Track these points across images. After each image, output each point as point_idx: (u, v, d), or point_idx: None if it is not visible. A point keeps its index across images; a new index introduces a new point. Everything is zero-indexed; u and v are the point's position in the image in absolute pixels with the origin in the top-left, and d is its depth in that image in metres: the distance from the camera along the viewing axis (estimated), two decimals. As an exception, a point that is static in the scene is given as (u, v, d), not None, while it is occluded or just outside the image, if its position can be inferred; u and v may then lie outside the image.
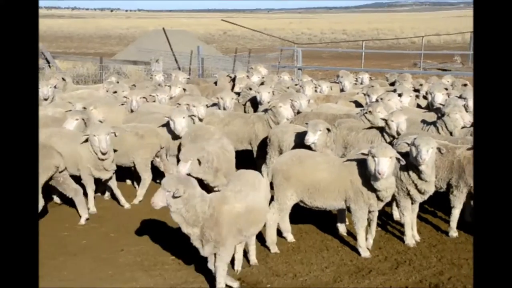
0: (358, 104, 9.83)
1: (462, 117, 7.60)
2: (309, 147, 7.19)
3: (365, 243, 6.17)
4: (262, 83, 11.30)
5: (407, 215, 6.41)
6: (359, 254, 6.17)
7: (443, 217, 7.23)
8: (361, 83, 11.91)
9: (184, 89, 10.18)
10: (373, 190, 5.85)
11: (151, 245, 6.54)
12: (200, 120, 8.06)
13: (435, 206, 7.52)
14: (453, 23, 69.17)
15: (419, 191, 6.19)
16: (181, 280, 5.67)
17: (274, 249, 6.30)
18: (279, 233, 6.53)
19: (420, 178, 6.06)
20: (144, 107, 9.19)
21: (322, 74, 23.89)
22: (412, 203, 6.39)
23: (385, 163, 5.54)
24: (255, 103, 9.91)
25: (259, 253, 6.30)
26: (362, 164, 5.91)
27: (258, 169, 8.70)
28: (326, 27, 68.11)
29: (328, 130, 7.25)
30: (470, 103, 8.40)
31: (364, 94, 9.58)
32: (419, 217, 7.12)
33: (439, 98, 9.05)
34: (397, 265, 5.95)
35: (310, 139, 7.08)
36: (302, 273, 5.79)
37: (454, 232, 6.65)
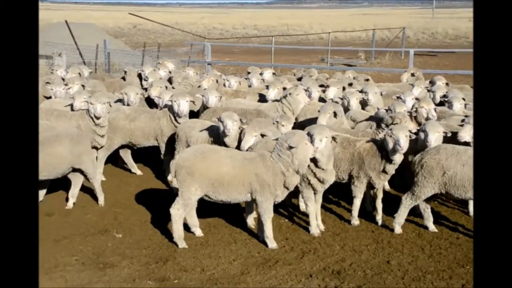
0: (263, 99, 9.97)
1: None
2: (219, 143, 7.23)
3: (272, 234, 6.29)
4: (169, 78, 11.17)
5: (311, 206, 6.63)
6: (266, 245, 6.29)
7: (346, 207, 7.53)
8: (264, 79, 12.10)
9: (83, 86, 9.73)
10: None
11: (51, 246, 6.28)
12: (97, 118, 7.79)
13: (338, 197, 7.83)
14: (358, 20, 71.96)
15: (319, 180, 6.43)
16: (85, 281, 5.49)
17: (181, 244, 6.27)
18: (187, 228, 6.51)
19: (317, 166, 6.30)
20: (46, 104, 8.78)
21: (233, 69, 24.01)
22: (314, 193, 6.61)
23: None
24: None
25: (167, 248, 6.26)
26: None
27: (166, 165, 8.64)
28: (238, 22, 68.35)
29: (241, 121, 7.34)
30: (371, 97, 8.80)
31: (267, 87, 9.76)
32: (323, 207, 7.38)
33: (332, 92, 9.48)
34: (303, 254, 6.13)
35: (230, 128, 7.10)
36: (210, 266, 5.81)
37: (355, 221, 6.95)
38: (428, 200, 6.59)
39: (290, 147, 5.83)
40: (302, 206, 7.32)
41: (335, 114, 7.74)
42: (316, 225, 6.71)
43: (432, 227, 6.70)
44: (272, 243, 6.28)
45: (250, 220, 6.89)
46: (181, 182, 6.16)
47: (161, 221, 6.93)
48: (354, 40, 46.89)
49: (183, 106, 8.12)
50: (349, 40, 46.88)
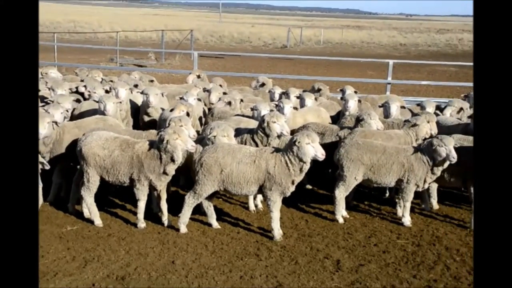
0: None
1: None
2: None
3: None
4: None
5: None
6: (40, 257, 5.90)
7: (132, 210, 7.41)
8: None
9: None
10: None
11: None
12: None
13: (124, 200, 7.74)
14: (149, 20, 71.98)
15: None
16: None
17: None
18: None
19: None
20: None
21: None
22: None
23: None
24: None
25: None
26: None
27: None
28: (17, 16, 62.84)
29: None
30: (151, 99, 8.81)
31: (49, 89, 9.20)
32: (108, 212, 7.21)
33: (122, 93, 9.10)
34: (85, 263, 5.88)
35: None
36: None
37: (142, 223, 6.84)
38: (210, 198, 6.85)
39: None
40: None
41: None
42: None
43: (215, 224, 6.98)
44: None
45: None
46: None
47: None
48: (145, 40, 46.72)
49: None
50: (140, 40, 46.59)
